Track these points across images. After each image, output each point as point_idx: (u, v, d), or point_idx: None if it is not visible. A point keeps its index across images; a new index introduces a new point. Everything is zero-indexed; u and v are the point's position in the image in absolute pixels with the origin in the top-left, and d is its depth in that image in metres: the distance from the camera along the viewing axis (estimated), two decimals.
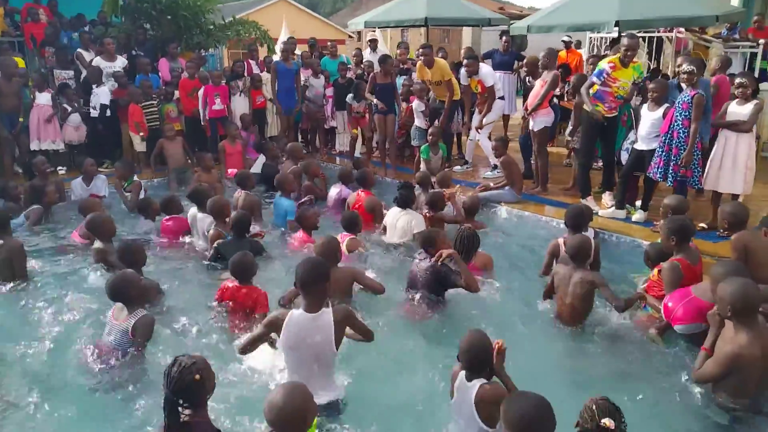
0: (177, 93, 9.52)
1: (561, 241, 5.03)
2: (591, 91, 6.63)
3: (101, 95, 9.02)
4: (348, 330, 3.40)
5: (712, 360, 3.22)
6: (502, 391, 2.91)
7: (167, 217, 6.28)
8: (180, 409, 2.62)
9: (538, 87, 7.41)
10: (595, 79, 6.62)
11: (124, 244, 4.89)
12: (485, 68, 8.51)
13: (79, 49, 9.55)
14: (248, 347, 3.49)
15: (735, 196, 6.05)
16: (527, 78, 9.29)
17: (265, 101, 10.07)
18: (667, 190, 6.50)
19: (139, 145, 9.10)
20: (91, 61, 9.41)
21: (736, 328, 3.16)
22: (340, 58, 10.73)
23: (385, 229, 6.19)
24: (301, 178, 7.57)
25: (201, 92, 9.20)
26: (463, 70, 8.57)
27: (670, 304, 4.05)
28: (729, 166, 5.91)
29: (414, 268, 4.75)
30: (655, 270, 4.59)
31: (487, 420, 2.86)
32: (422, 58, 8.48)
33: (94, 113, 9.02)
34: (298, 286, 3.30)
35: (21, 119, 8.40)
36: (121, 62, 9.49)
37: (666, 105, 6.20)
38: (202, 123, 9.39)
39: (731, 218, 4.48)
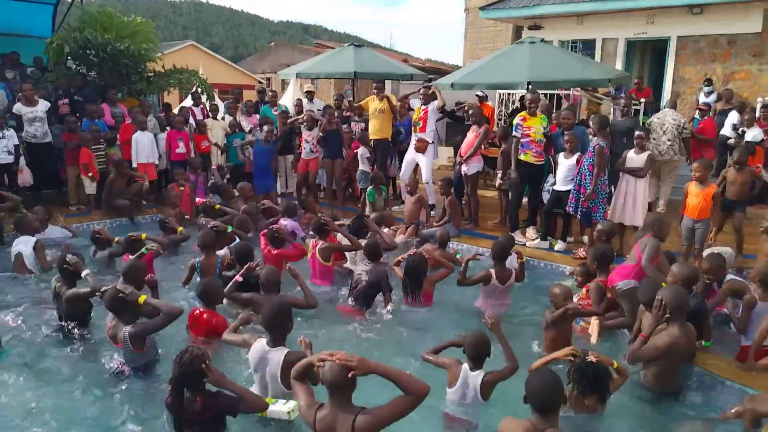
0: None
1: (493, 272, 5.79)
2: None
3: (12, 138, 8.78)
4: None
5: (651, 345, 4.16)
6: (500, 376, 3.79)
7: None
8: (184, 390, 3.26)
9: (471, 138, 8.56)
10: (515, 133, 7.95)
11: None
12: (434, 104, 9.28)
13: (21, 93, 9.58)
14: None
15: (635, 228, 7.38)
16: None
17: (210, 146, 10.57)
18: (580, 225, 7.80)
19: (89, 187, 9.24)
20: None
21: (670, 323, 4.16)
22: (280, 108, 11.47)
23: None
24: (255, 216, 8.13)
25: (164, 136, 9.58)
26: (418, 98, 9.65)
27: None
28: (630, 204, 7.26)
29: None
30: (584, 289, 5.67)
31: (485, 397, 3.77)
32: (375, 92, 9.76)
33: (9, 158, 8.74)
34: (263, 325, 3.85)
35: None
36: (43, 106, 9.33)
37: (578, 153, 7.51)
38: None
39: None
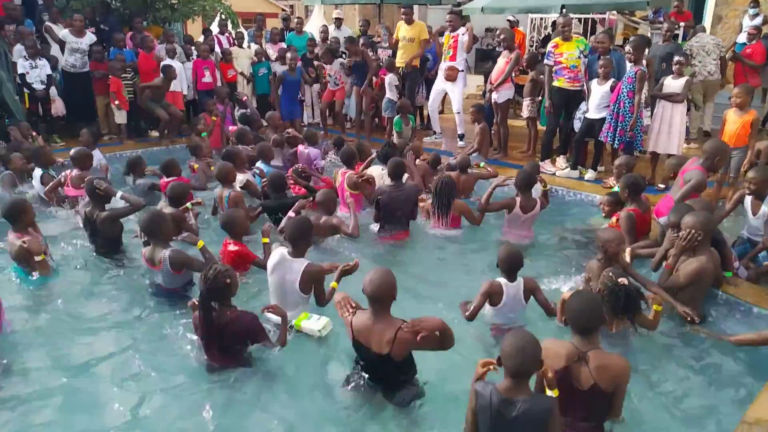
0: None
1: (517, 200, 5.70)
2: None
3: (45, 68, 8.77)
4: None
5: (681, 273, 4.15)
6: (539, 290, 4.06)
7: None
8: (211, 304, 3.47)
9: (502, 64, 8.32)
10: (547, 61, 7.76)
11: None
12: (463, 29, 8.99)
13: (48, 23, 9.57)
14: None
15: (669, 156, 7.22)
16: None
17: (236, 75, 10.49)
18: (612, 154, 7.66)
19: (119, 117, 9.31)
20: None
21: (697, 251, 4.15)
22: (306, 35, 11.25)
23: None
24: (282, 147, 8.15)
25: (190, 65, 9.54)
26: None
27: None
28: (666, 131, 7.08)
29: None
30: (614, 218, 5.61)
31: (526, 299, 4.03)
32: (404, 17, 9.43)
33: (42, 87, 8.72)
34: (286, 238, 4.16)
35: None
36: (89, 38, 9.33)
37: (613, 79, 7.27)
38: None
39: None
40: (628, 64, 7.09)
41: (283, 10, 35.28)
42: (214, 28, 11.78)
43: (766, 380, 3.50)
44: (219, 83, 10.05)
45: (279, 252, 4.15)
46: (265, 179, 6.09)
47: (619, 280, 3.46)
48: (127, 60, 9.60)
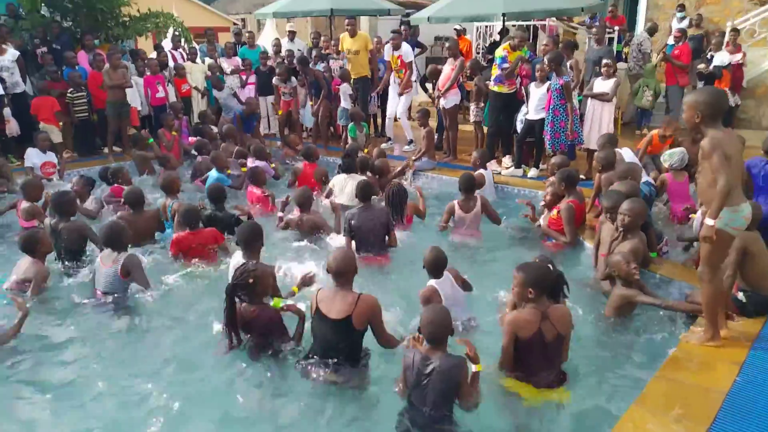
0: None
1: (456, 203, 6.08)
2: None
3: None
4: None
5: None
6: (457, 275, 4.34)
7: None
8: (237, 300, 3.74)
9: (448, 71, 8.76)
10: (503, 64, 8.20)
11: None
12: (406, 46, 9.62)
13: None
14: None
15: None
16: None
17: (191, 89, 10.67)
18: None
19: (56, 137, 9.08)
20: None
21: (631, 234, 4.61)
22: (258, 48, 11.51)
23: (329, 193, 7.05)
24: (246, 158, 8.33)
25: (141, 81, 9.69)
26: (387, 45, 9.80)
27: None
28: (596, 128, 7.64)
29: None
30: (555, 211, 6.04)
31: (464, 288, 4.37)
32: (348, 28, 9.80)
33: None
34: (238, 242, 4.49)
35: None
36: (11, 55, 9.23)
37: (549, 82, 7.76)
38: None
39: (604, 161, 6.03)
40: (553, 76, 7.52)
41: (234, 24, 35.31)
42: (167, 44, 11.92)
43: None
44: (174, 98, 10.20)
45: (238, 255, 4.45)
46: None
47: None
48: (83, 77, 9.67)
